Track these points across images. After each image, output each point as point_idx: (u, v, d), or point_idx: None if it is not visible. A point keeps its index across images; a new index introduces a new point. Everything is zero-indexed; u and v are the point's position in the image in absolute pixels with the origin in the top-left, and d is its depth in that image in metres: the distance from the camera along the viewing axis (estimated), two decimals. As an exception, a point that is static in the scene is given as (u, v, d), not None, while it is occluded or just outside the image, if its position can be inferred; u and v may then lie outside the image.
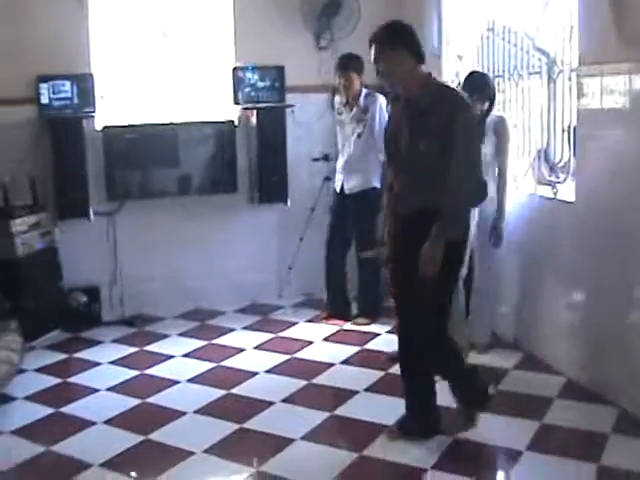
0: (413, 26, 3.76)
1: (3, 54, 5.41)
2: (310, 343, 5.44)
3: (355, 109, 5.57)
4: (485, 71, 5.37)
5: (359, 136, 5.55)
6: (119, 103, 6.17)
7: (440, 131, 3.50)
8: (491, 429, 3.97)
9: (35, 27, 5.66)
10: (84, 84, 5.88)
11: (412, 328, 3.77)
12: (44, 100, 5.84)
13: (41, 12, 5.70)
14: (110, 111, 6.11)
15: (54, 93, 5.86)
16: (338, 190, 5.73)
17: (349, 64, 5.49)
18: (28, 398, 4.58)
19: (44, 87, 5.83)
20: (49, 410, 4.40)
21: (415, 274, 3.54)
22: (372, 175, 5.52)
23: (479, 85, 4.82)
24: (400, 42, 3.63)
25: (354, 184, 5.62)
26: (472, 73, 5.04)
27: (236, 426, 4.10)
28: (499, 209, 4.84)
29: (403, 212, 3.75)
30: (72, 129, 5.80)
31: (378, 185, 5.39)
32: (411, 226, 3.68)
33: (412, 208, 3.68)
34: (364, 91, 5.57)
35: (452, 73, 5.92)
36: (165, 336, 5.68)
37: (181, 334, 5.71)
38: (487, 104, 4.83)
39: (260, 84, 6.28)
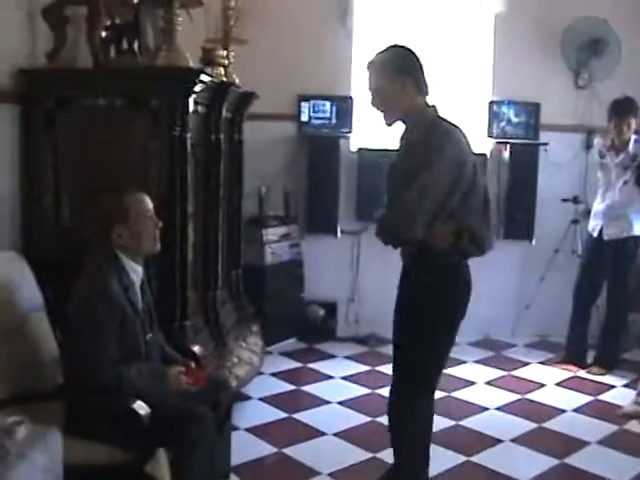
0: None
1: (272, 73, 5.70)
2: (542, 385, 5.28)
3: (623, 155, 5.33)
4: None
5: (625, 183, 5.31)
6: (374, 127, 6.30)
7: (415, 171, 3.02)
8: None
9: (301, 48, 5.93)
10: (343, 105, 6.09)
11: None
12: (304, 118, 6.11)
13: (308, 35, 5.96)
14: (365, 134, 6.25)
15: (314, 112, 6.11)
16: (596, 235, 5.47)
17: (630, 108, 5.26)
18: (263, 399, 4.78)
19: (305, 106, 6.11)
20: (282, 414, 4.57)
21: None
22: (635, 223, 5.34)
23: None
24: (403, 70, 3.09)
25: (615, 231, 5.39)
26: None
27: (463, 458, 4.05)
28: None
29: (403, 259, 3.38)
30: (328, 148, 6.02)
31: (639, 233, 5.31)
32: (405, 273, 3.36)
33: (406, 254, 3.33)
34: (633, 137, 5.33)
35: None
36: (396, 359, 5.70)
37: (412, 359, 5.71)
38: None
39: (515, 119, 6.21)
